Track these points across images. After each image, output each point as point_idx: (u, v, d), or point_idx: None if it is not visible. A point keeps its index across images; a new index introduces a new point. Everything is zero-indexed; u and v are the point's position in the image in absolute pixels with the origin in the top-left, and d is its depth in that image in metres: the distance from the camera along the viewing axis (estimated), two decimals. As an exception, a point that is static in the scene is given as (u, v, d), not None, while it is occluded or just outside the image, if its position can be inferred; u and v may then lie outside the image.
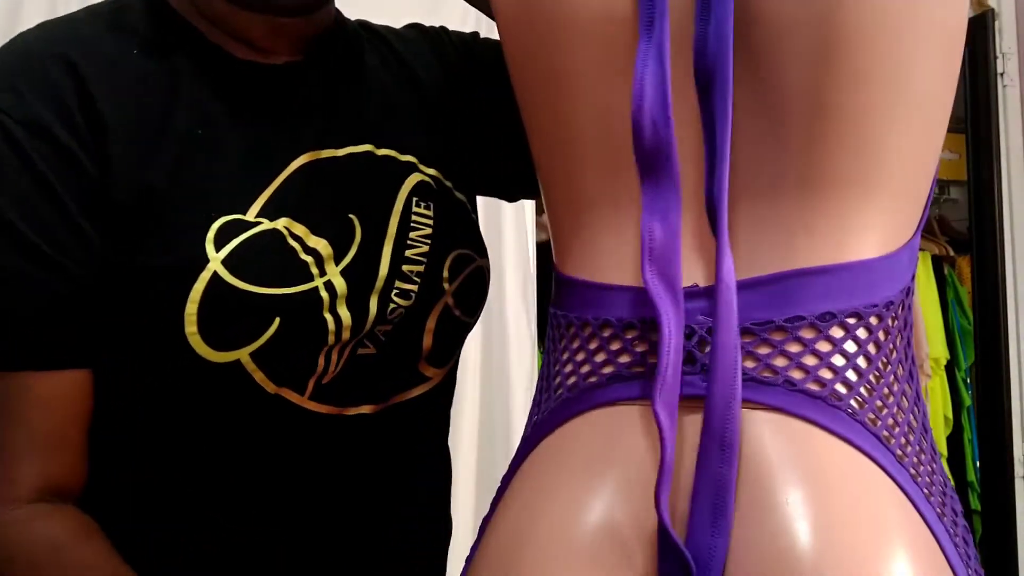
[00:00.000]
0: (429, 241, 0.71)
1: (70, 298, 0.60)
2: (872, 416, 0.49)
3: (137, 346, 0.62)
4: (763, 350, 0.49)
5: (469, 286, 0.74)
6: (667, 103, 0.50)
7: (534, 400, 0.60)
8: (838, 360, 0.49)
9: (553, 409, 0.55)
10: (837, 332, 0.50)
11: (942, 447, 1.96)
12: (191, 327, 0.60)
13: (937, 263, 2.02)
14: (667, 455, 0.47)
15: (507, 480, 0.57)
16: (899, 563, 0.46)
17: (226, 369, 0.62)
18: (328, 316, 0.64)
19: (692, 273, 0.52)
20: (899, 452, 0.49)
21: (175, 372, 0.63)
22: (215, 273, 0.60)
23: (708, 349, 0.49)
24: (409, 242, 0.69)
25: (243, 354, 0.62)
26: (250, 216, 0.62)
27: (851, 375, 0.49)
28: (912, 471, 0.49)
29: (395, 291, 0.68)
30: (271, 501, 0.68)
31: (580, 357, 0.55)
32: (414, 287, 0.69)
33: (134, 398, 0.64)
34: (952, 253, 2.06)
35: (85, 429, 0.63)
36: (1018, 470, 1.69)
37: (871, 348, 0.50)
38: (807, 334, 0.49)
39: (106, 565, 0.61)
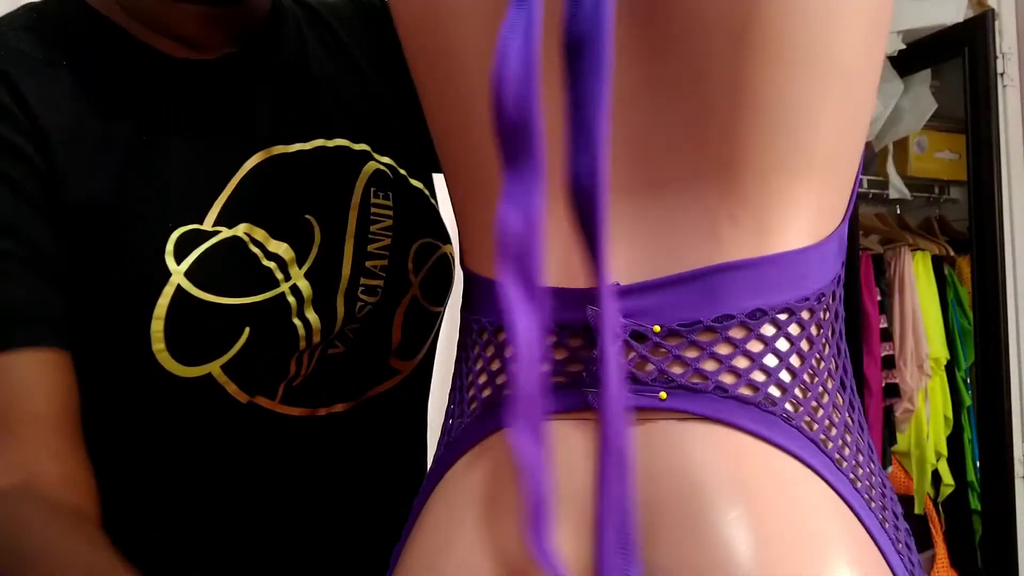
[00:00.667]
0: (390, 233, 0.69)
1: (34, 274, 0.57)
2: (808, 419, 0.46)
3: (105, 360, 0.60)
4: (691, 353, 0.46)
5: (435, 275, 0.72)
6: (531, 76, 0.43)
7: (447, 413, 0.56)
8: (770, 360, 0.46)
9: (467, 426, 0.51)
10: (768, 330, 0.46)
11: (942, 447, 1.96)
12: (158, 344, 0.58)
13: (937, 263, 2.02)
14: (533, 488, 0.42)
15: (419, 507, 0.53)
16: None
17: (197, 383, 0.60)
18: (297, 321, 0.62)
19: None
20: (837, 456, 0.46)
21: (146, 386, 0.60)
22: (179, 287, 0.58)
23: (633, 354, 0.46)
24: (370, 236, 0.68)
25: (214, 367, 0.60)
26: (207, 225, 0.60)
27: (785, 376, 0.46)
28: (851, 476, 0.46)
29: (361, 288, 0.66)
30: (251, 501, 0.68)
31: (495, 367, 0.50)
32: (379, 282, 0.68)
33: (108, 405, 0.62)
34: (952, 253, 2.06)
35: (68, 412, 0.58)
36: (1018, 470, 1.69)
37: (804, 345, 0.47)
38: (737, 334, 0.46)
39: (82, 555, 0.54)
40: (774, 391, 0.46)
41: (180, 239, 0.59)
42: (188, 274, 0.58)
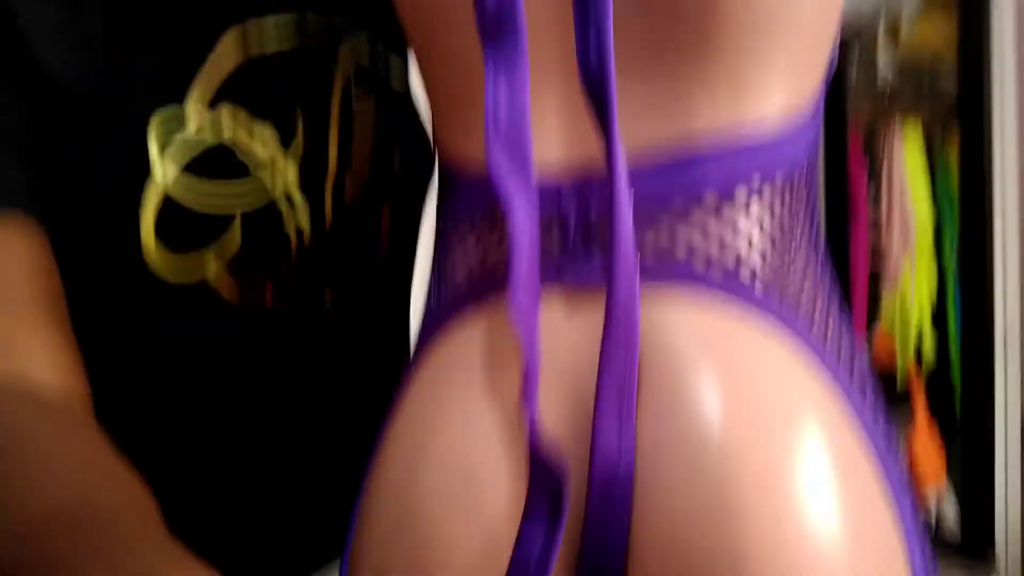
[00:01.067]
0: (373, 132, 0.68)
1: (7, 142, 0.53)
2: (780, 289, 0.47)
3: (92, 265, 0.57)
4: (664, 230, 0.46)
5: (417, 173, 0.72)
6: None
7: (426, 304, 0.56)
8: (743, 232, 0.46)
9: (446, 307, 0.51)
10: (742, 195, 0.46)
11: (926, 321, 1.98)
12: (148, 242, 0.57)
13: (927, 132, 2.00)
14: (530, 364, 0.44)
15: (400, 392, 0.53)
16: (809, 436, 0.44)
17: (190, 291, 0.59)
18: (288, 228, 0.62)
19: (568, 153, 0.47)
20: (808, 322, 0.47)
21: (138, 299, 0.59)
22: (166, 196, 0.57)
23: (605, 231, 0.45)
24: (355, 131, 0.67)
25: (209, 259, 0.59)
26: (191, 119, 0.57)
27: (757, 248, 0.46)
28: (822, 337, 0.47)
29: (347, 182, 0.66)
30: (242, 399, 0.67)
31: (472, 257, 0.51)
32: (365, 177, 0.67)
33: (94, 305, 0.59)
34: (941, 123, 2.04)
35: (56, 311, 0.53)
36: (998, 337, 1.74)
37: (778, 216, 0.47)
38: (711, 201, 0.46)
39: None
40: (746, 264, 0.46)
41: (159, 125, 0.57)
42: (175, 182, 0.57)
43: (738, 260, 0.46)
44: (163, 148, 0.57)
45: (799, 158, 0.48)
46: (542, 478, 0.44)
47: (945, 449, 2.04)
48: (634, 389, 0.45)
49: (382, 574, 0.49)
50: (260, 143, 0.61)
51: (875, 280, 1.99)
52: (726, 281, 0.46)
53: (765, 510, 0.42)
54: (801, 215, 0.49)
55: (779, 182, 0.47)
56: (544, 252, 0.47)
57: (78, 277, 0.56)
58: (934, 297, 1.98)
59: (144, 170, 0.56)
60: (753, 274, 0.46)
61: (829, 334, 0.48)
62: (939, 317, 1.98)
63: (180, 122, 0.58)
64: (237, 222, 0.60)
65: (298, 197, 0.63)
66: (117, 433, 0.55)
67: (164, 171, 0.56)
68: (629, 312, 0.44)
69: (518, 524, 0.45)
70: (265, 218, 0.61)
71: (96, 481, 0.45)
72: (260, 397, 0.68)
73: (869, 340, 2.00)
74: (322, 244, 0.66)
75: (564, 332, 0.46)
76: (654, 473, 0.44)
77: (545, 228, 0.47)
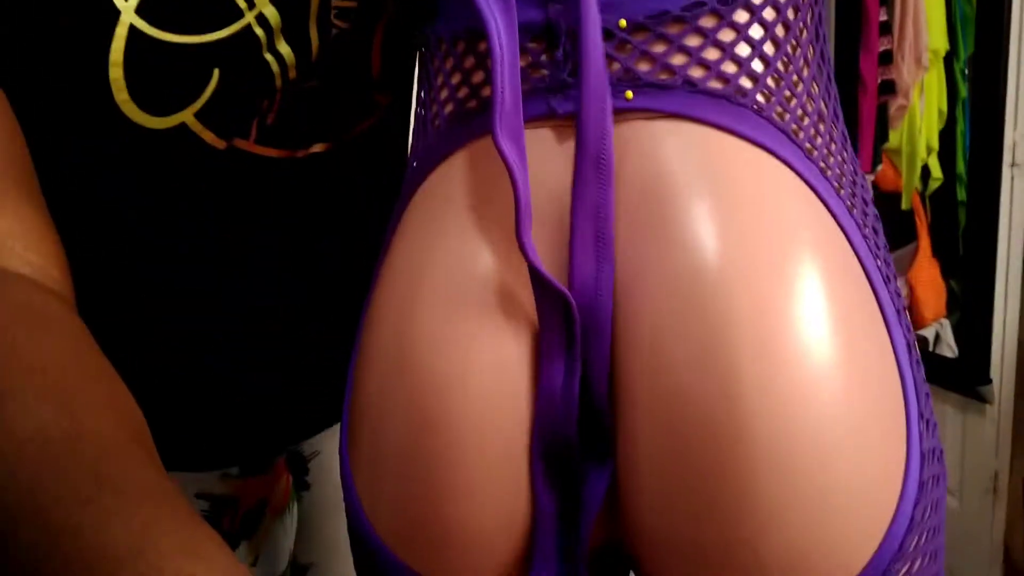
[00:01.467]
0: None
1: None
2: (780, 110, 0.45)
3: (68, 122, 0.55)
4: (658, 48, 0.43)
5: None
6: None
7: (412, 134, 0.55)
8: (743, 50, 0.44)
9: (432, 143, 0.50)
10: (742, 16, 0.44)
11: (934, 141, 1.96)
12: (121, 94, 0.53)
13: None
14: (520, 188, 0.42)
15: (392, 228, 0.52)
16: (806, 262, 0.43)
17: (171, 134, 0.56)
18: (269, 56, 0.57)
19: None
20: (808, 146, 0.45)
21: (118, 145, 0.56)
22: (131, 27, 0.51)
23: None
24: None
25: (187, 116, 0.56)
26: None
27: (757, 65, 0.44)
28: (822, 164, 0.46)
29: (334, 11, 0.60)
30: (237, 253, 0.66)
31: (455, 79, 0.48)
32: (353, 3, 0.61)
33: (78, 174, 0.57)
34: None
35: (22, 169, 0.49)
36: (1007, 157, 1.70)
37: (779, 31, 0.45)
38: (708, 23, 0.43)
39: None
40: (745, 82, 0.44)
41: None
42: (139, 11, 0.51)
43: (736, 79, 0.44)
44: None
45: None
46: (551, 306, 0.44)
47: (946, 284, 2.06)
48: (610, 218, 0.43)
49: (382, 413, 0.49)
50: None
51: (883, 108, 1.95)
52: (722, 102, 0.44)
53: (757, 339, 0.41)
54: (805, 30, 0.47)
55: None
56: (532, 81, 0.45)
57: (50, 130, 0.53)
58: (943, 123, 1.95)
59: (109, 20, 0.51)
60: (753, 84, 0.44)
61: (831, 160, 0.47)
62: (946, 147, 1.96)
63: None
64: (215, 78, 0.55)
65: (284, 48, 0.57)
66: (104, 293, 0.55)
67: (130, 22, 0.51)
68: (600, 135, 0.42)
69: (523, 350, 0.45)
70: (240, 45, 0.55)
71: (85, 400, 0.39)
72: (250, 248, 0.65)
73: (876, 166, 1.99)
74: (308, 79, 0.60)
75: (552, 165, 0.45)
76: (640, 305, 0.43)
77: (532, 55, 0.45)
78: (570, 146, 0.44)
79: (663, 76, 0.44)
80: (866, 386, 0.43)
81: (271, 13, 0.56)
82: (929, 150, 1.96)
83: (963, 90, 1.96)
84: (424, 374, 0.46)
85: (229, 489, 0.74)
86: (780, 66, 0.45)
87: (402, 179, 0.74)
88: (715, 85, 0.44)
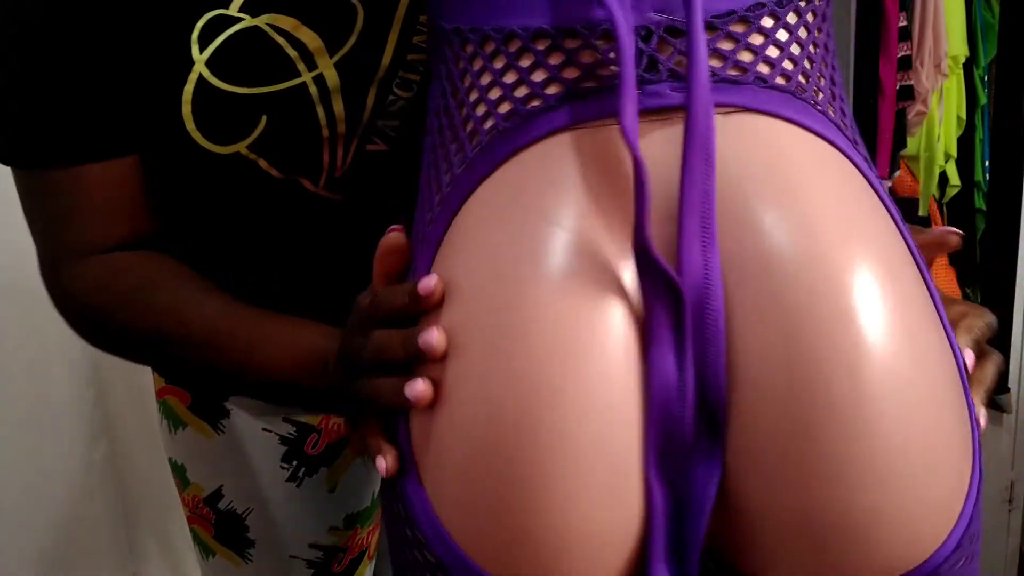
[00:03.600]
0: None
1: (109, 87, 0.62)
2: (819, 98, 0.48)
3: (155, 138, 0.65)
4: (727, 45, 0.46)
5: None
6: None
7: (429, 146, 0.53)
8: (795, 49, 0.47)
9: (484, 147, 0.48)
10: (792, 18, 0.47)
11: (952, 148, 1.95)
12: (190, 124, 0.63)
13: None
14: (644, 174, 0.43)
15: (436, 237, 0.49)
16: (887, 245, 0.46)
17: (231, 159, 0.65)
18: (320, 109, 0.65)
19: None
20: (853, 138, 0.49)
21: (190, 162, 0.66)
22: (200, 76, 0.62)
23: (670, 52, 0.45)
24: (419, 27, 0.66)
25: (240, 147, 0.65)
26: (232, 10, 0.61)
27: (807, 64, 0.48)
28: (864, 155, 0.49)
29: (396, 81, 0.67)
30: (279, 266, 0.75)
31: (510, 78, 0.47)
32: (417, 77, 0.67)
33: (162, 189, 0.68)
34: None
35: (144, 194, 0.66)
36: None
37: (816, 31, 0.49)
38: (767, 23, 0.46)
39: (203, 299, 0.65)
40: (801, 79, 0.47)
41: (206, 25, 0.61)
42: (209, 63, 0.61)
43: (795, 75, 0.47)
44: (202, 49, 0.62)
45: None
46: (662, 296, 0.44)
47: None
48: (714, 207, 0.44)
49: (467, 399, 0.45)
50: (297, 52, 0.63)
51: (902, 114, 1.94)
52: (788, 97, 0.47)
53: (845, 332, 0.43)
54: (823, 30, 0.50)
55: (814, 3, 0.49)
56: (603, 79, 0.46)
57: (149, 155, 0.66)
58: (961, 130, 1.93)
59: (184, 69, 0.61)
60: (806, 81, 0.48)
61: (858, 138, 0.51)
62: (964, 154, 1.94)
63: (223, 25, 0.61)
64: (262, 124, 0.64)
65: (339, 106, 0.65)
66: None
67: (200, 72, 0.62)
68: (707, 127, 0.43)
69: (631, 341, 0.44)
70: (290, 99, 0.64)
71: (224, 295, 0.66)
72: (308, 271, 0.74)
73: (893, 172, 1.98)
74: (371, 150, 0.68)
75: (658, 156, 0.46)
76: (747, 290, 0.44)
77: (601, 52, 0.46)
78: (667, 137, 0.45)
79: (734, 72, 0.46)
80: (944, 371, 0.46)
81: (331, 75, 0.64)
82: (947, 157, 1.95)
83: (982, 97, 1.95)
84: (531, 358, 0.44)
85: (312, 419, 0.84)
86: (822, 64, 0.49)
87: None
88: (780, 81, 0.47)
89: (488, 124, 0.48)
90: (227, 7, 0.61)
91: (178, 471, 0.89)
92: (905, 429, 0.43)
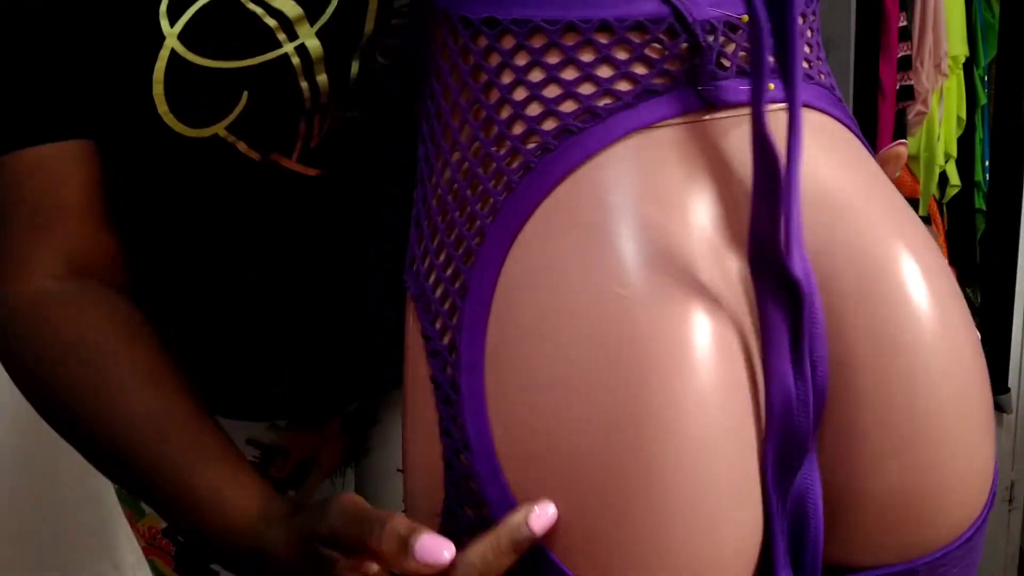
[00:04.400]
0: None
1: (48, 62, 0.56)
2: (826, 79, 0.52)
3: (118, 125, 0.60)
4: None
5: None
6: None
7: (479, 158, 0.47)
8: (816, 49, 0.51)
9: (552, 149, 0.44)
10: (811, 17, 0.50)
11: (952, 148, 1.94)
12: (162, 106, 0.58)
13: None
14: (793, 171, 0.42)
15: (496, 257, 0.45)
16: (922, 230, 0.50)
17: (207, 142, 0.60)
18: (304, 83, 0.60)
19: None
20: (838, 94, 0.53)
21: (161, 150, 0.61)
22: (172, 51, 0.57)
23: (733, 48, 0.45)
24: None
25: (219, 128, 0.60)
26: None
27: (818, 60, 0.51)
28: (839, 97, 0.53)
29: (380, 47, 0.63)
30: (269, 257, 0.69)
31: (570, 74, 0.44)
32: (398, 41, 0.63)
33: (129, 178, 0.62)
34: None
35: (99, 199, 0.59)
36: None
37: (817, 30, 0.52)
38: (803, 20, 0.48)
39: (148, 371, 0.57)
40: (823, 77, 0.51)
41: None
42: (181, 36, 0.57)
43: (824, 73, 0.51)
44: (172, 23, 0.57)
45: None
46: (778, 298, 0.43)
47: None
48: (799, 199, 0.43)
49: (563, 397, 0.42)
50: (277, 21, 0.59)
51: (902, 114, 1.94)
52: (827, 93, 0.50)
53: (922, 322, 0.46)
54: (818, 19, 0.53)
55: (816, 5, 0.51)
56: (672, 74, 0.45)
57: (109, 141, 0.60)
58: (961, 130, 1.93)
59: (154, 44, 0.57)
60: (825, 77, 0.51)
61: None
62: (964, 154, 1.94)
63: None
64: (244, 99, 0.59)
65: (323, 77, 0.60)
66: (163, 278, 0.65)
67: (172, 47, 0.57)
68: (799, 121, 0.43)
69: (747, 345, 0.44)
70: (273, 72, 0.59)
71: (168, 384, 0.57)
72: (287, 260, 0.69)
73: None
74: (347, 108, 0.64)
75: (729, 149, 0.46)
76: (834, 284, 0.46)
77: (668, 48, 0.45)
78: (741, 135, 0.44)
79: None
80: (980, 360, 0.50)
81: (313, 45, 0.59)
82: (947, 157, 1.95)
83: (982, 97, 1.94)
84: (645, 372, 0.41)
85: (278, 439, 0.78)
86: (822, 61, 0.52)
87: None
88: (820, 78, 0.50)
89: (549, 125, 0.45)
90: None
91: (129, 501, 0.81)
92: (967, 407, 0.47)
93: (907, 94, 1.93)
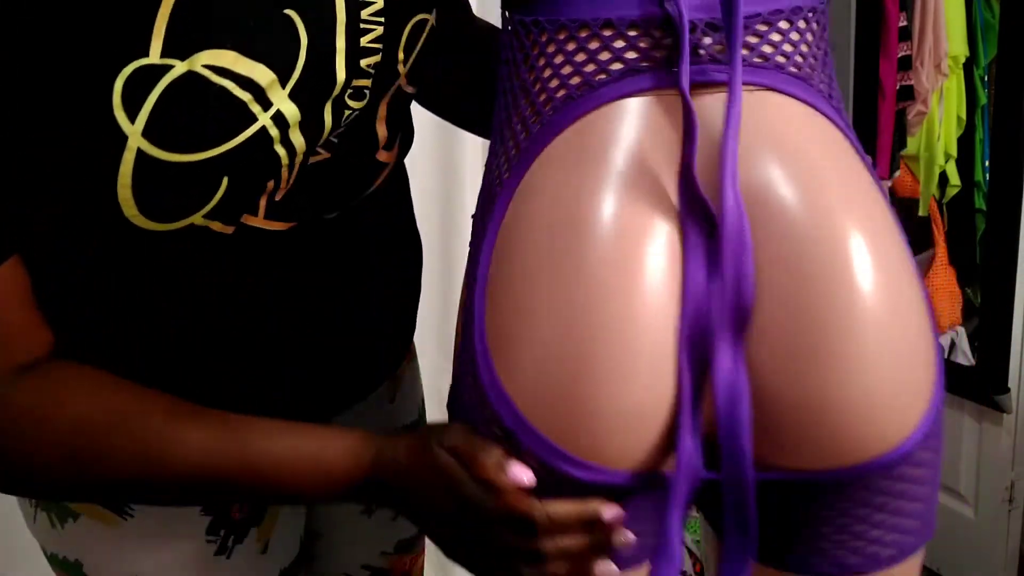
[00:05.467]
0: (382, 19, 0.60)
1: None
2: (821, 84, 0.61)
3: (77, 223, 0.55)
4: (752, 39, 0.58)
5: (422, 55, 0.66)
6: None
7: (502, 127, 0.63)
8: (804, 48, 0.60)
9: (559, 110, 0.59)
10: (803, 24, 0.60)
11: (952, 148, 1.94)
12: (130, 210, 0.53)
13: None
14: (694, 120, 0.55)
15: (514, 183, 0.61)
16: (876, 199, 0.59)
17: (180, 230, 0.56)
18: (280, 149, 0.56)
19: None
20: (835, 103, 0.62)
21: (125, 239, 0.56)
22: (139, 150, 0.50)
23: (709, 40, 0.57)
24: (363, 26, 0.59)
25: (196, 219, 0.56)
26: (154, 58, 0.49)
27: (812, 60, 0.60)
28: (847, 124, 0.61)
29: (349, 92, 0.59)
30: (249, 313, 0.66)
31: (580, 58, 0.59)
32: (368, 82, 0.61)
33: (86, 262, 0.59)
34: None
35: (33, 304, 0.56)
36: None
37: (820, 39, 0.62)
38: (784, 25, 0.59)
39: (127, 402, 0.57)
40: (808, 70, 0.60)
41: (127, 83, 0.49)
42: (146, 133, 0.50)
43: (805, 65, 0.60)
44: (132, 118, 0.50)
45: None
46: (700, 220, 0.56)
47: (962, 291, 2.04)
48: (736, 162, 0.56)
49: (538, 287, 0.57)
50: (250, 93, 0.53)
51: (902, 114, 1.94)
52: (800, 73, 0.59)
53: (843, 261, 0.56)
54: (826, 32, 0.63)
55: (821, 10, 0.62)
56: (652, 47, 0.58)
57: (68, 235, 0.56)
58: (961, 130, 1.93)
59: (116, 145, 0.50)
60: (812, 72, 0.60)
61: (836, 99, 0.63)
62: (964, 154, 1.94)
63: (149, 79, 0.50)
64: (224, 185, 0.55)
65: (297, 138, 0.57)
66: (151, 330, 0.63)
67: (137, 146, 0.51)
68: (738, 96, 0.55)
69: (672, 255, 0.56)
70: (252, 148, 0.54)
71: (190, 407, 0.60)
72: (272, 294, 0.67)
73: (893, 172, 1.97)
74: (314, 162, 0.62)
75: (665, 122, 0.58)
76: (766, 221, 0.56)
77: (654, 26, 0.58)
78: (706, 105, 0.57)
79: (758, 59, 0.58)
80: (914, 299, 0.59)
81: (289, 109, 0.55)
82: (947, 157, 1.95)
83: (982, 97, 1.94)
84: (591, 275, 0.56)
85: None
86: (823, 65, 0.62)
87: (411, 222, 0.82)
88: (793, 70, 0.59)
89: (561, 93, 0.60)
90: (147, 55, 0.49)
91: (69, 568, 0.74)
92: (887, 332, 0.56)
93: (907, 94, 1.93)
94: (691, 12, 0.57)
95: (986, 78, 1.95)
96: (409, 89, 0.67)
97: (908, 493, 0.59)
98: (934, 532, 0.63)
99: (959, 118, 1.94)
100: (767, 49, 0.58)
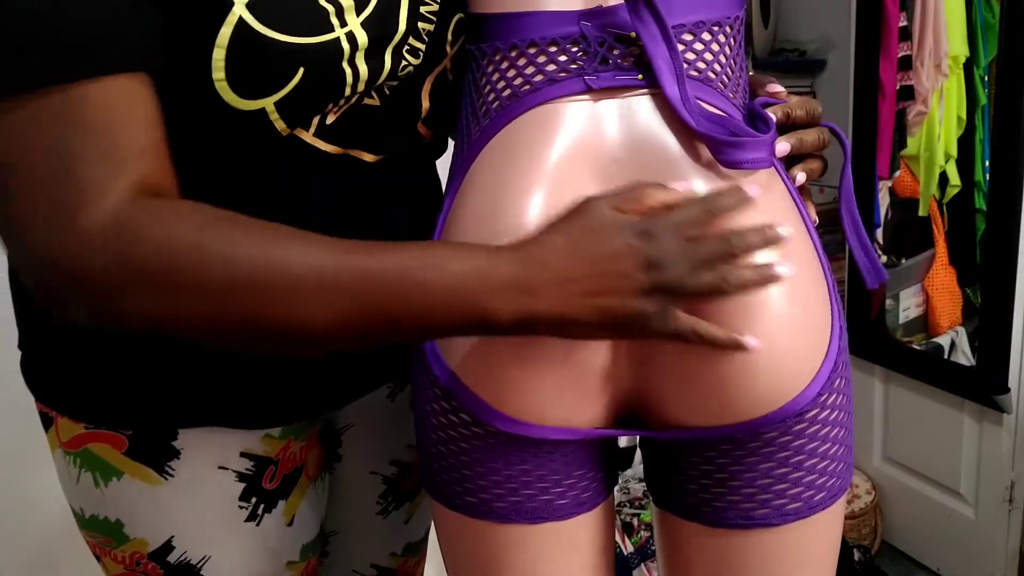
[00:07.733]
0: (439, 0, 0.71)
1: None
2: (732, 90, 0.70)
3: (167, 89, 0.60)
4: (679, 47, 0.66)
5: (463, 52, 0.75)
6: None
7: (460, 131, 0.74)
8: (722, 57, 0.69)
9: (493, 119, 0.70)
10: (722, 36, 0.69)
11: (952, 148, 1.94)
12: (219, 74, 0.61)
13: None
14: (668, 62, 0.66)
15: (457, 181, 0.71)
16: (782, 195, 0.70)
17: (250, 115, 0.64)
18: (347, 68, 0.65)
19: None
20: (740, 104, 0.71)
21: (203, 116, 0.64)
22: (240, 18, 0.60)
23: (617, 52, 0.67)
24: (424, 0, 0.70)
25: (268, 103, 0.63)
26: None
27: (730, 68, 0.70)
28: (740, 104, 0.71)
29: (407, 47, 0.70)
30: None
31: (511, 74, 0.69)
32: (423, 45, 0.71)
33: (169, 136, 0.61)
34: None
35: (162, 133, 0.59)
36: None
37: (734, 44, 0.70)
38: (706, 36, 0.68)
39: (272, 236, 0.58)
40: (724, 77, 0.70)
41: None
42: (249, 6, 0.60)
43: (721, 74, 0.70)
44: None
45: (741, 11, 0.72)
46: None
47: (963, 292, 2.04)
48: None
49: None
50: (332, 7, 0.63)
51: (902, 114, 1.94)
52: (714, 81, 0.69)
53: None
54: (740, 46, 0.72)
55: (733, 25, 0.71)
56: (569, 60, 0.68)
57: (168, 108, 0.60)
58: (962, 130, 1.93)
59: (222, 10, 0.59)
60: (728, 80, 0.70)
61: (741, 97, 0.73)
62: (964, 154, 1.94)
63: None
64: (299, 76, 0.63)
65: (362, 64, 0.66)
66: None
67: (240, 15, 0.60)
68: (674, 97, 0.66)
69: None
70: (326, 53, 0.63)
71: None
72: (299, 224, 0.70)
73: (893, 172, 1.97)
74: (367, 103, 0.70)
75: (594, 122, 0.68)
76: None
77: (570, 42, 0.69)
78: (611, 108, 0.68)
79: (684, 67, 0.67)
80: (810, 271, 0.68)
81: (360, 34, 0.65)
82: (947, 157, 1.95)
83: (982, 97, 1.94)
84: (514, 237, 0.62)
85: (270, 450, 0.81)
86: (737, 67, 0.71)
87: (431, 194, 0.89)
88: (710, 76, 0.69)
89: (495, 104, 0.70)
90: None
91: (108, 529, 0.78)
92: (776, 302, 0.65)
93: (907, 94, 1.93)
94: (600, 30, 0.66)
95: (986, 78, 1.94)
96: (451, 76, 0.77)
97: (809, 450, 0.68)
98: (846, 489, 0.72)
99: (959, 118, 1.94)
100: (689, 56, 0.67)
